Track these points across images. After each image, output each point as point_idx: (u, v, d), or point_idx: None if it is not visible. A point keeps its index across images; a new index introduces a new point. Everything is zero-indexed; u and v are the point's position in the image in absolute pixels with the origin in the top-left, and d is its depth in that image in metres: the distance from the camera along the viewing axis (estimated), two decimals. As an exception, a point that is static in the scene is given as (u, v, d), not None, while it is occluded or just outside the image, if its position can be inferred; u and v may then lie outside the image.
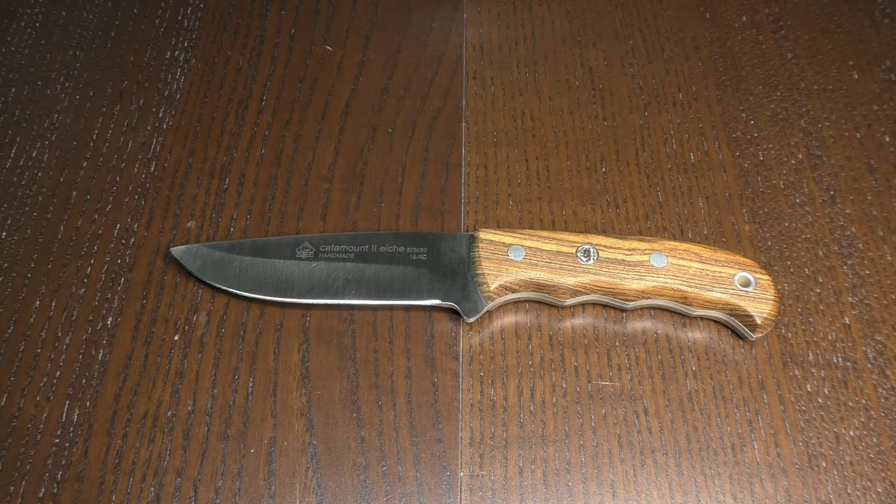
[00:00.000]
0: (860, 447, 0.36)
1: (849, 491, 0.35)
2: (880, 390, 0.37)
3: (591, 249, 0.38)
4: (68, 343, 0.38)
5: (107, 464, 0.35)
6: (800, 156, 0.45)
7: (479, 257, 0.38)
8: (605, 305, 0.39)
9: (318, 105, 0.47)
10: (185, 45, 0.49)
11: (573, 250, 0.38)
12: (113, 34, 0.50)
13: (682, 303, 0.38)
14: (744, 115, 0.46)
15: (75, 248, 0.41)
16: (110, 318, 0.39)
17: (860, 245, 0.41)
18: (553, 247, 0.38)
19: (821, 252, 0.41)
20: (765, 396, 0.37)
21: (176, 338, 0.38)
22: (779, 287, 0.40)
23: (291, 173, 0.44)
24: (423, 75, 0.48)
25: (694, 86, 0.47)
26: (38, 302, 0.39)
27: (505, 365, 0.38)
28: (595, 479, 0.35)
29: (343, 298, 0.38)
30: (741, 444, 0.36)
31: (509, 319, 0.39)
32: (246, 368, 0.38)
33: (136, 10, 0.51)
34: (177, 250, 0.40)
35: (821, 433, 0.36)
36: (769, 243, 0.41)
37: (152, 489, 0.35)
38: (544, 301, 0.39)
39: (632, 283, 0.37)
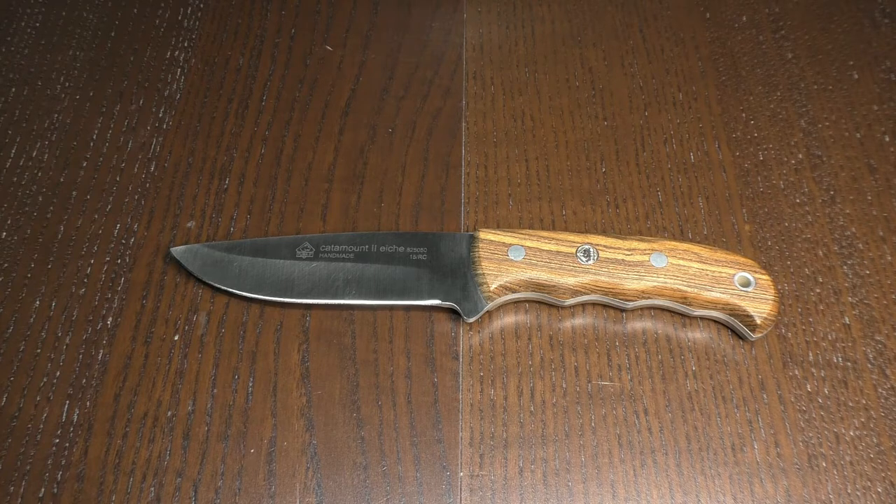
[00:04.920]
0: (860, 447, 0.36)
1: (849, 491, 0.35)
2: (880, 390, 0.37)
3: (591, 249, 0.38)
4: (68, 343, 0.38)
5: (107, 464, 0.35)
6: (800, 156, 0.45)
7: (479, 257, 0.38)
8: (605, 305, 0.39)
9: (318, 105, 0.47)
10: (185, 45, 0.49)
11: (573, 250, 0.38)
12: (113, 34, 0.50)
13: (682, 303, 0.38)
14: (744, 115, 0.46)
15: (75, 248, 0.41)
16: (110, 318, 0.39)
17: (860, 245, 0.41)
18: (553, 247, 0.38)
19: (821, 252, 0.41)
20: (765, 396, 0.37)
21: (176, 338, 0.38)
22: (779, 287, 0.40)
23: (291, 173, 0.44)
24: (423, 75, 0.48)
25: (694, 86, 0.48)
26: (38, 302, 0.39)
27: (505, 365, 0.38)
28: (595, 479, 0.35)
29: (343, 298, 0.38)
30: (741, 444, 0.36)
31: (509, 319, 0.39)
32: (246, 368, 0.38)
33: (136, 10, 0.51)
34: (177, 250, 0.40)
35: (821, 433, 0.36)
36: (769, 243, 0.41)
37: (152, 489, 0.35)
38: (544, 301, 0.39)
39: (632, 283, 0.37)
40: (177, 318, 0.39)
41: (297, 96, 0.47)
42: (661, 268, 0.38)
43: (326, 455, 0.35)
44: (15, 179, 0.44)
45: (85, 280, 0.40)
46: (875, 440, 0.36)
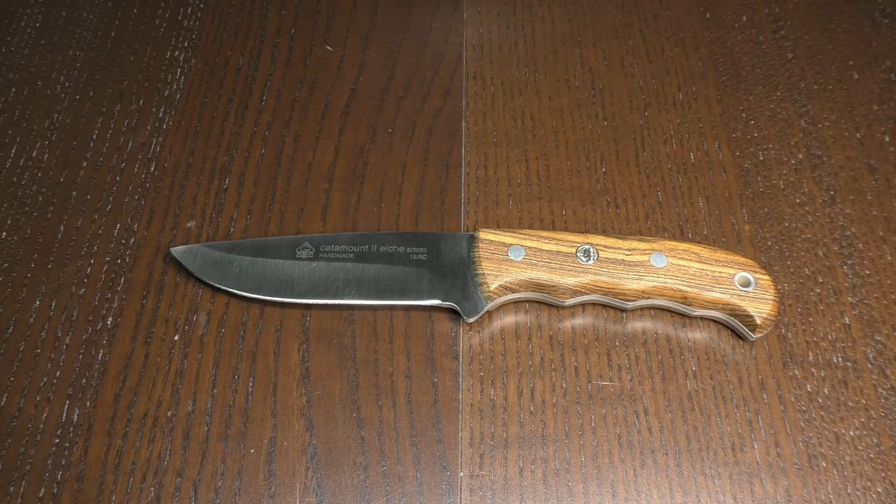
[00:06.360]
0: (860, 447, 0.36)
1: (849, 491, 0.35)
2: (880, 390, 0.37)
3: (591, 249, 0.38)
4: (68, 343, 0.38)
5: (107, 464, 0.35)
6: (800, 156, 0.45)
7: (479, 257, 0.38)
8: (605, 305, 0.39)
9: (318, 105, 0.47)
10: (185, 45, 0.49)
11: (573, 250, 0.38)
12: (113, 34, 0.50)
13: (682, 303, 0.38)
14: (744, 115, 0.46)
15: (75, 248, 0.41)
16: (110, 318, 0.39)
17: (860, 245, 0.41)
18: (553, 247, 0.38)
19: (821, 252, 0.41)
20: (765, 396, 0.37)
21: (176, 338, 0.38)
22: (779, 287, 0.40)
23: (291, 173, 0.44)
24: (423, 75, 0.48)
25: (694, 86, 0.48)
26: (38, 302, 0.39)
27: (505, 365, 0.38)
28: (595, 479, 0.35)
29: (343, 298, 0.38)
30: (741, 444, 0.36)
31: (509, 319, 0.39)
32: (246, 368, 0.38)
33: (136, 10, 0.51)
34: (177, 250, 0.40)
35: (821, 433, 0.36)
36: (769, 243, 0.41)
37: (152, 489, 0.35)
38: (544, 301, 0.39)
39: (632, 283, 0.37)
40: (177, 318, 0.39)
41: (297, 96, 0.47)
42: (661, 268, 0.38)
43: (326, 455, 0.35)
44: (15, 179, 0.44)
45: (85, 280, 0.40)
46: (875, 440, 0.36)
